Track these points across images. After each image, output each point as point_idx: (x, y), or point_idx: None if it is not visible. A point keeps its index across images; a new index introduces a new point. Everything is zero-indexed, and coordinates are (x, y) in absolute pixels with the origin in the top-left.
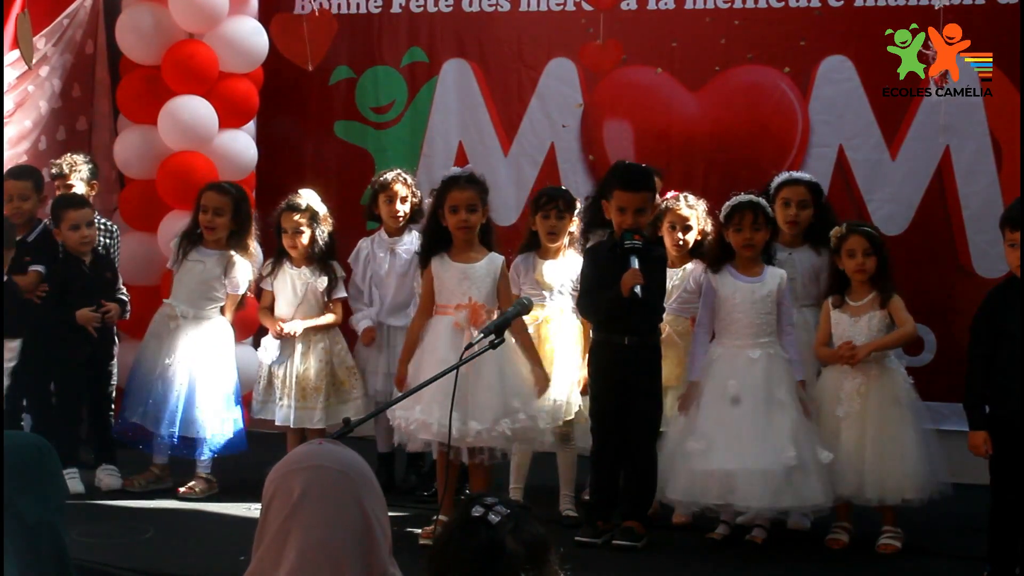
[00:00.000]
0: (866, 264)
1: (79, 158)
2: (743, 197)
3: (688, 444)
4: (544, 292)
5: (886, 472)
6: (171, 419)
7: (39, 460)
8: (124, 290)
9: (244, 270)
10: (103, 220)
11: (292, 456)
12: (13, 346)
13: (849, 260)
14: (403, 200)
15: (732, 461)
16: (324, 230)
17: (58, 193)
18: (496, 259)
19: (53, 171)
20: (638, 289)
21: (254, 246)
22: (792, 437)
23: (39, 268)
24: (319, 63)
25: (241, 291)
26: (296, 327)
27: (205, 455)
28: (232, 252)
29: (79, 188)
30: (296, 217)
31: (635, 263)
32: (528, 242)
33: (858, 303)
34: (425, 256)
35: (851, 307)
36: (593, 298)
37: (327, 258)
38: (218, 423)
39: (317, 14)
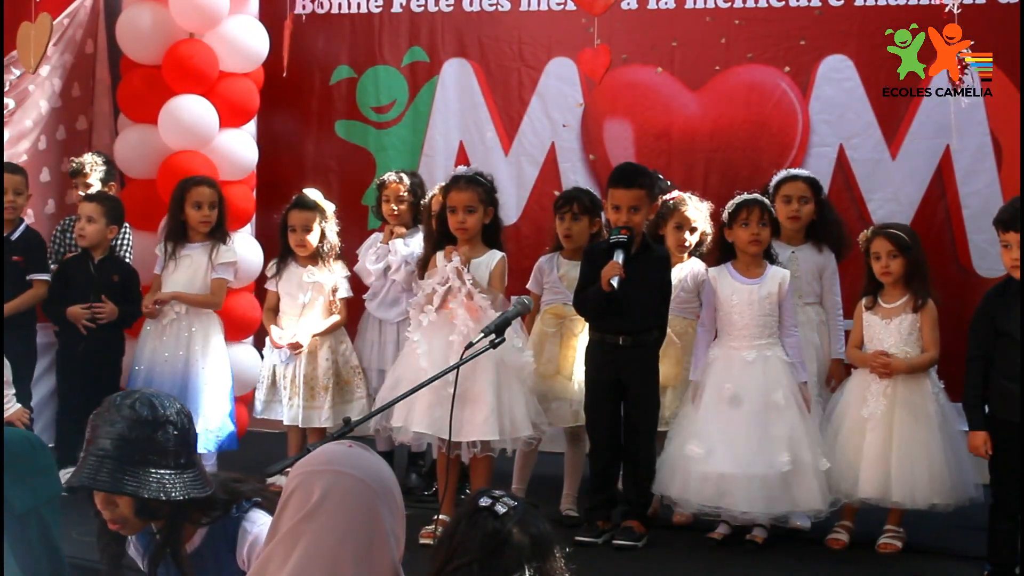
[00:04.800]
0: (891, 266)
1: (99, 159)
2: (748, 195)
3: (687, 446)
4: (567, 292)
5: (915, 476)
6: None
7: (30, 454)
8: (137, 296)
9: (228, 254)
10: None
11: (318, 455)
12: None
13: (875, 263)
14: (398, 200)
15: (728, 465)
16: (332, 228)
17: (76, 190)
18: (495, 254)
19: (72, 167)
20: (615, 281)
21: (232, 238)
22: (788, 442)
23: (43, 277)
24: (306, 66)
25: (225, 275)
26: (304, 339)
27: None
28: (217, 241)
29: (96, 187)
30: (305, 214)
31: (619, 257)
32: (556, 243)
33: (890, 305)
34: (433, 249)
35: (883, 309)
36: (584, 294)
37: (334, 256)
38: (220, 418)
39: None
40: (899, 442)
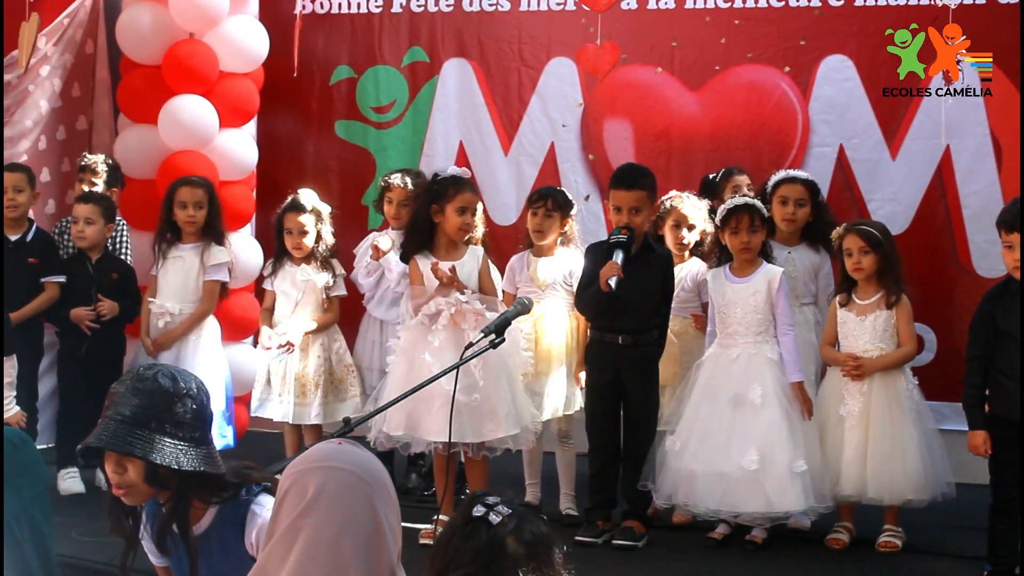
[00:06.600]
0: (862, 262)
1: (110, 161)
2: (739, 200)
3: (667, 439)
4: (538, 290)
5: (889, 472)
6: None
7: (11, 453)
8: (136, 293)
9: (221, 255)
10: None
11: (311, 453)
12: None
13: (847, 259)
14: (401, 203)
15: (697, 462)
16: (328, 229)
17: (81, 185)
18: (477, 251)
19: (84, 162)
20: (612, 281)
21: (228, 238)
22: (760, 440)
23: (56, 279)
24: (306, 66)
25: (216, 277)
26: (295, 339)
27: None
28: (210, 241)
29: (100, 188)
30: (301, 217)
31: (618, 257)
32: (527, 240)
33: (864, 302)
34: (407, 252)
35: (857, 306)
36: (584, 294)
37: (328, 256)
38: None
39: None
40: (874, 439)
